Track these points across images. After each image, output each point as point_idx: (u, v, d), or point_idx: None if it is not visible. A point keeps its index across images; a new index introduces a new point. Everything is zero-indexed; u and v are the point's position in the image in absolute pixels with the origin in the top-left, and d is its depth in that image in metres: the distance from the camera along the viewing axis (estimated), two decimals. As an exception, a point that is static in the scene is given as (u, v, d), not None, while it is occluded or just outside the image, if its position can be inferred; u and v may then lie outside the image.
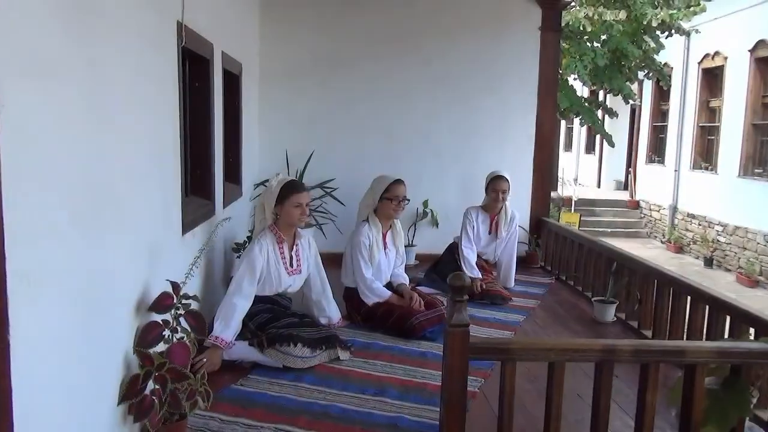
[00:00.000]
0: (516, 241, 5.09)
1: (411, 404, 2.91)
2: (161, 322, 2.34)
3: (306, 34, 5.84)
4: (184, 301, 2.45)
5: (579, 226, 13.42)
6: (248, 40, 5.41)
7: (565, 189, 16.38)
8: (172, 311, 2.38)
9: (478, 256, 4.96)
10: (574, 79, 12.17)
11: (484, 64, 5.96)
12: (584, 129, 19.70)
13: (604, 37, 11.60)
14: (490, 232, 4.98)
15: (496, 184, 4.87)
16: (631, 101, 13.01)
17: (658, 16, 10.91)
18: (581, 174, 20.61)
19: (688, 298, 3.60)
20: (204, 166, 3.69)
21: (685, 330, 3.59)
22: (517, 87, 5.99)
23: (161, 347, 2.34)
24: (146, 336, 2.28)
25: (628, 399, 2.84)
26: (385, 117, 5.98)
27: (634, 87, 14.25)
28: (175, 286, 2.40)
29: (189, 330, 2.41)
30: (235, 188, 4.73)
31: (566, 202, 15.26)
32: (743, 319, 3.08)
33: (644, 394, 2.37)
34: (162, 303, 2.34)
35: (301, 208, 3.51)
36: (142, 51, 2.39)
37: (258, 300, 3.44)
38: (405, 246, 5.83)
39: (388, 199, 4.02)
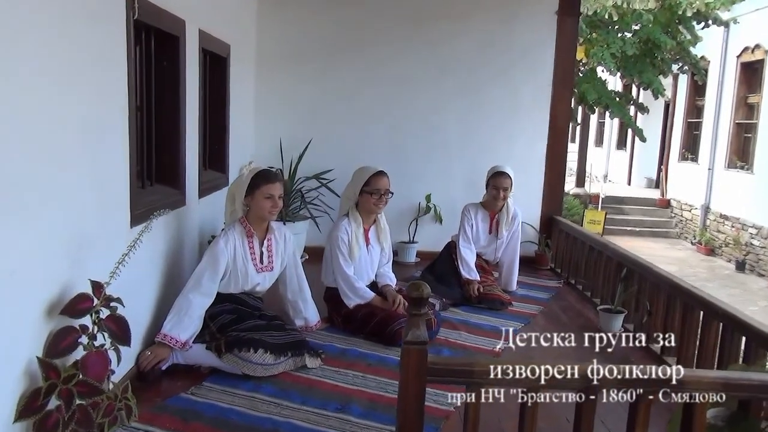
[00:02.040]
0: (518, 242, 4.70)
1: (374, 423, 2.59)
2: (78, 328, 2.07)
3: (306, 16, 5.53)
4: (112, 304, 2.19)
5: (605, 225, 12.84)
6: (242, 22, 5.12)
7: (593, 186, 15.79)
8: (92, 315, 2.11)
9: (478, 255, 4.58)
10: (603, 71, 11.64)
11: (494, 50, 5.55)
12: (616, 124, 19.03)
13: (636, 27, 11.04)
14: (490, 232, 4.60)
15: (496, 181, 4.46)
16: (660, 96, 12.41)
17: (693, 5, 10.30)
18: (611, 170, 19.91)
19: (701, 312, 3.21)
20: (172, 152, 3.42)
21: (696, 348, 3.21)
22: (530, 76, 5.55)
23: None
24: (58, 343, 2.02)
25: (622, 421, 2.46)
26: (389, 105, 5.64)
27: (668, 81, 13.61)
28: (97, 286, 2.13)
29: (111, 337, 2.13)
30: (219, 177, 4.46)
31: (593, 199, 14.70)
32: (761, 341, 2.69)
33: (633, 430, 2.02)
34: (76, 306, 2.06)
35: (273, 200, 3.22)
36: (66, 19, 2.10)
37: (222, 299, 3.17)
38: (405, 242, 5.57)
39: (368, 193, 3.64)
